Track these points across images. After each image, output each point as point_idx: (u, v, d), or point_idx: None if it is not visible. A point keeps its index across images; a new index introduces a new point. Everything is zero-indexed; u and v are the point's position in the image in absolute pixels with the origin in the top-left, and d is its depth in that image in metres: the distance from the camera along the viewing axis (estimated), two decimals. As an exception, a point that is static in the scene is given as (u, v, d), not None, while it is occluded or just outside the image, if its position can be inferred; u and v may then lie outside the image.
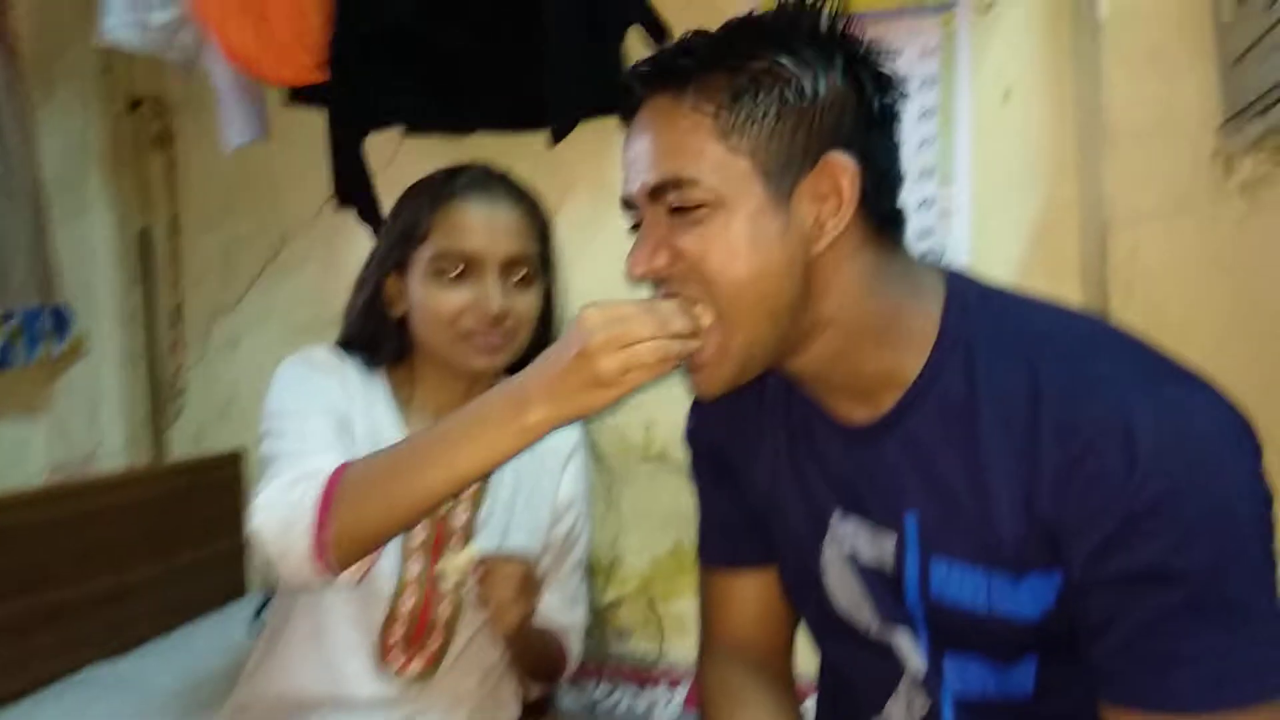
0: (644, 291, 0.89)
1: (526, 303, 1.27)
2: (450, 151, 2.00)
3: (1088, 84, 1.72)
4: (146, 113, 2.43)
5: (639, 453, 2.12)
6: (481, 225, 1.24)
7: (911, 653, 0.91)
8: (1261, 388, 1.25)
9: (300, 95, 1.93)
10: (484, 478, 1.10)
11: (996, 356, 0.82)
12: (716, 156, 0.80)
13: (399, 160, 2.07)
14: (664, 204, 0.83)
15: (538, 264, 1.30)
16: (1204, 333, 1.53)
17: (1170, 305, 1.58)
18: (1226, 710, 0.70)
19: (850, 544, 0.93)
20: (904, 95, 0.87)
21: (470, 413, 0.94)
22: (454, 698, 1.31)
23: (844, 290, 0.84)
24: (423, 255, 1.25)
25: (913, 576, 0.88)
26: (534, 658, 1.36)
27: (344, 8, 1.80)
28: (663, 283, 0.86)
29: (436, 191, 1.27)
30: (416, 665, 1.28)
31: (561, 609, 1.39)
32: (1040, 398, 0.78)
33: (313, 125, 1.97)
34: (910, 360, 0.86)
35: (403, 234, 1.27)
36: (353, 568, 1.03)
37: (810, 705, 1.16)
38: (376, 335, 1.30)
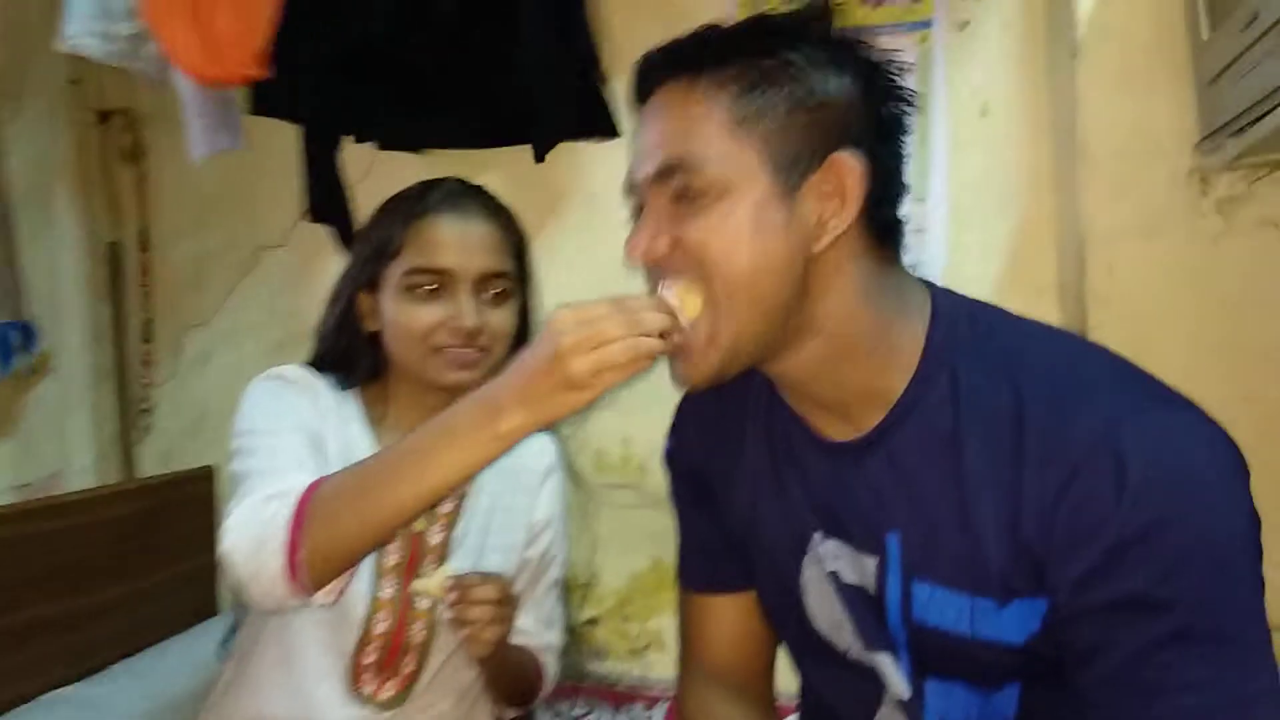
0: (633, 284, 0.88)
1: (501, 318, 1.26)
2: (428, 164, 1.99)
3: (1064, 101, 1.73)
4: (117, 125, 2.40)
5: (616, 471, 2.11)
6: (455, 240, 1.23)
7: (894, 677, 0.90)
8: (1238, 404, 1.25)
9: (262, 105, 1.90)
10: (459, 487, 1.08)
11: (981, 377, 0.82)
12: (725, 144, 0.80)
13: (375, 173, 2.06)
14: (668, 189, 0.82)
15: (513, 279, 1.28)
16: (1181, 349, 1.54)
17: (1147, 322, 1.58)
18: None
19: (832, 564, 0.92)
20: (914, 107, 0.87)
21: (442, 423, 0.92)
22: (428, 722, 1.29)
23: (838, 295, 0.83)
24: (395, 271, 1.23)
25: (894, 599, 0.87)
26: (510, 679, 1.33)
27: (315, 23, 1.78)
28: (658, 270, 0.85)
29: (410, 207, 1.25)
30: (390, 689, 1.25)
31: (538, 629, 1.38)
32: (1025, 419, 0.77)
33: (287, 139, 1.96)
34: (895, 377, 0.85)
35: (375, 250, 1.26)
36: (326, 587, 1.01)
37: (792, 727, 1.15)
38: (349, 352, 1.29)
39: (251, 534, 1.00)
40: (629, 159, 0.88)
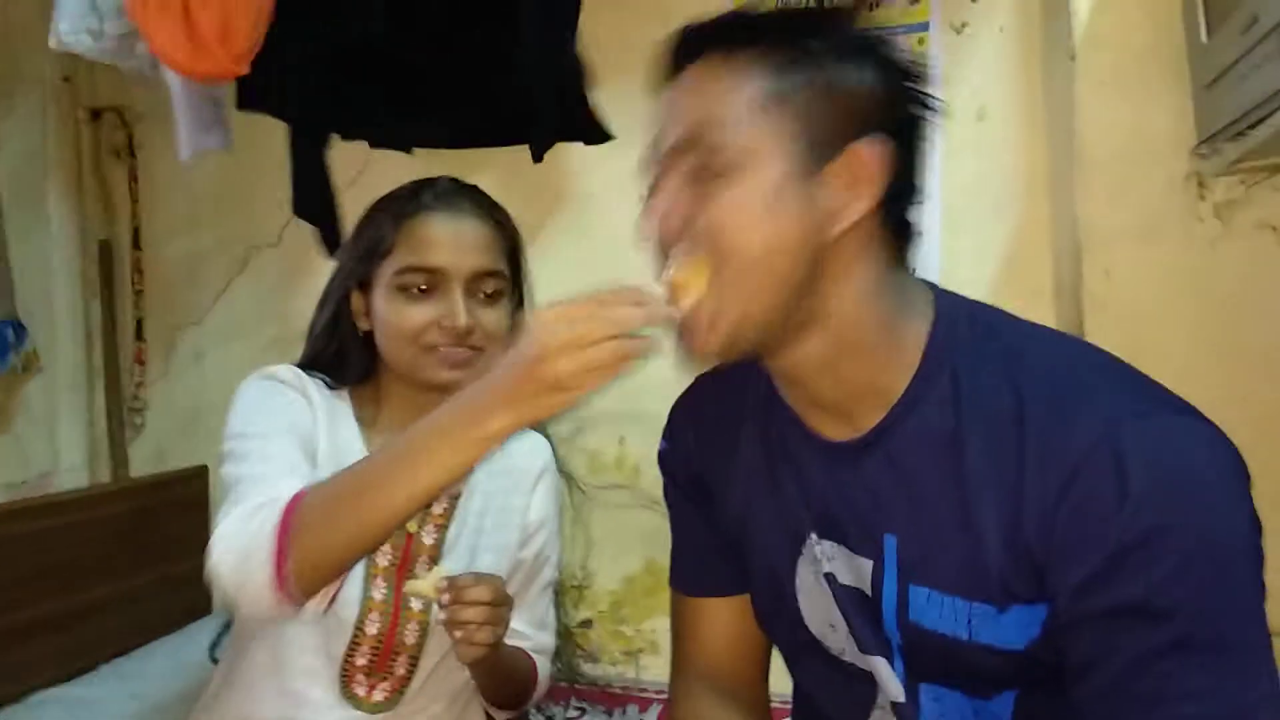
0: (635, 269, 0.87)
1: (494, 318, 1.25)
2: (421, 163, 1.99)
3: (1061, 105, 1.72)
4: (109, 123, 2.39)
5: (611, 472, 2.10)
6: (447, 239, 1.22)
7: (888, 680, 0.89)
8: (1235, 407, 1.24)
9: (250, 100, 1.89)
10: (448, 489, 1.07)
11: (983, 377, 0.81)
12: (751, 121, 0.80)
13: (368, 172, 2.05)
14: (688, 163, 0.82)
15: (506, 279, 1.28)
16: (1178, 353, 1.54)
17: (1144, 326, 1.58)
18: None
19: (827, 565, 0.92)
20: (935, 110, 0.87)
21: (428, 425, 0.92)
22: (420, 725, 1.28)
23: (847, 288, 0.83)
24: (387, 270, 1.22)
25: (890, 601, 0.86)
26: (503, 681, 1.32)
27: (308, 20, 1.77)
28: (668, 244, 0.84)
29: (402, 206, 1.25)
30: (382, 692, 1.24)
31: (531, 631, 1.37)
32: (1025, 422, 0.77)
33: (280, 138, 1.95)
34: (896, 376, 0.84)
35: (367, 249, 1.25)
36: (316, 596, 1.00)
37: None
38: (341, 352, 1.28)
39: (238, 546, 0.98)
40: (654, 127, 0.87)
